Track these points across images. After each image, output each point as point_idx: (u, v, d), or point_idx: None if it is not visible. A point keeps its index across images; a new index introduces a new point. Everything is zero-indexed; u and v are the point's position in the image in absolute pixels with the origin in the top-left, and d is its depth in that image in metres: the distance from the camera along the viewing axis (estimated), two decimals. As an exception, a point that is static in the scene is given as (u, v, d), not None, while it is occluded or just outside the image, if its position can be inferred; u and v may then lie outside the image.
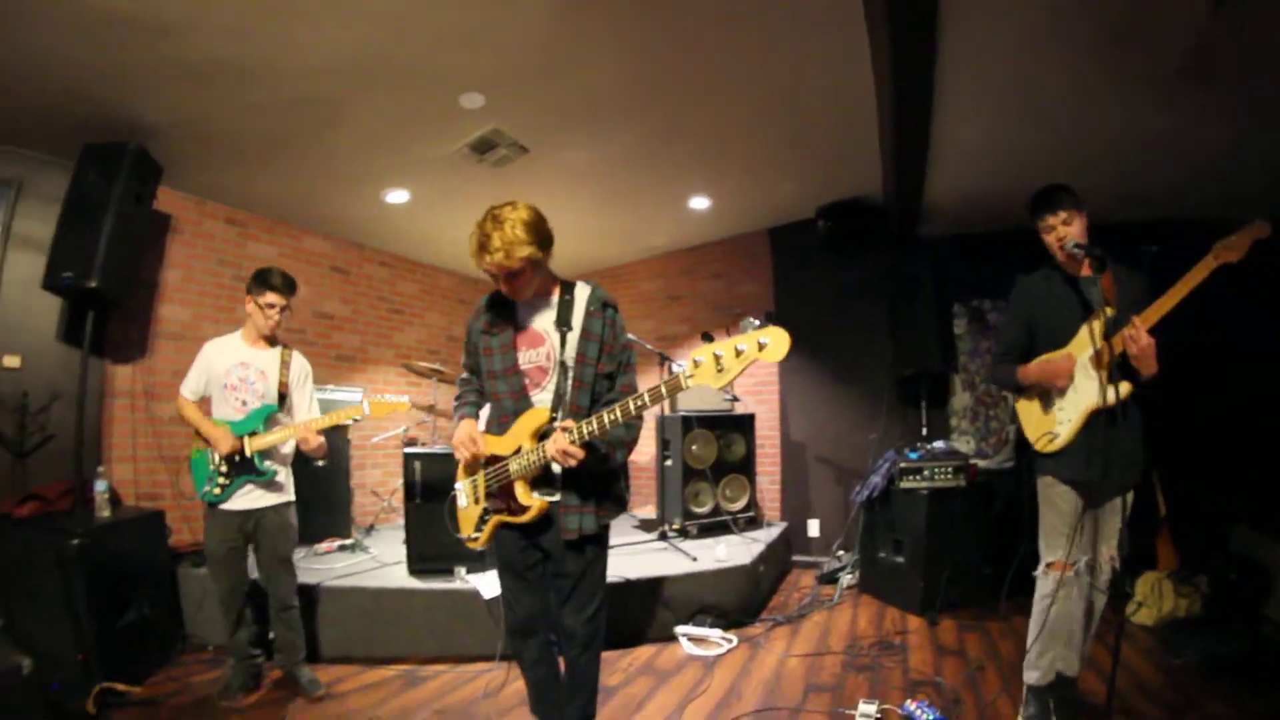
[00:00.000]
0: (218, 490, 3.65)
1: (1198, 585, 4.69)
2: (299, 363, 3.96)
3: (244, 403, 3.75)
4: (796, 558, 6.90)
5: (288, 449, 3.77)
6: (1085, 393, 3.02)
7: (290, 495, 3.83)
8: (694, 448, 6.23)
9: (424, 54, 3.93)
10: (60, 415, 4.72)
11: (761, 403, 7.20)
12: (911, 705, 3.42)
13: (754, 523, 6.52)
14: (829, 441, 6.89)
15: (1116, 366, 2.89)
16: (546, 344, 2.77)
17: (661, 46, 4.01)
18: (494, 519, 2.78)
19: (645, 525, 6.65)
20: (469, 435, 2.80)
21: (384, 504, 6.96)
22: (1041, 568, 3.21)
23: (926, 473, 5.33)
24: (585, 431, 2.50)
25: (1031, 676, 3.21)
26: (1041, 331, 3.28)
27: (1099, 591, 3.13)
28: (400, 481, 4.81)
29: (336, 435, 6.11)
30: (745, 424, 6.65)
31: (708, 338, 2.77)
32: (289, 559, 3.80)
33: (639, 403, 2.46)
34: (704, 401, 6.44)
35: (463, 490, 2.90)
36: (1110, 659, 3.40)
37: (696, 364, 2.26)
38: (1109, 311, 2.84)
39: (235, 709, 3.66)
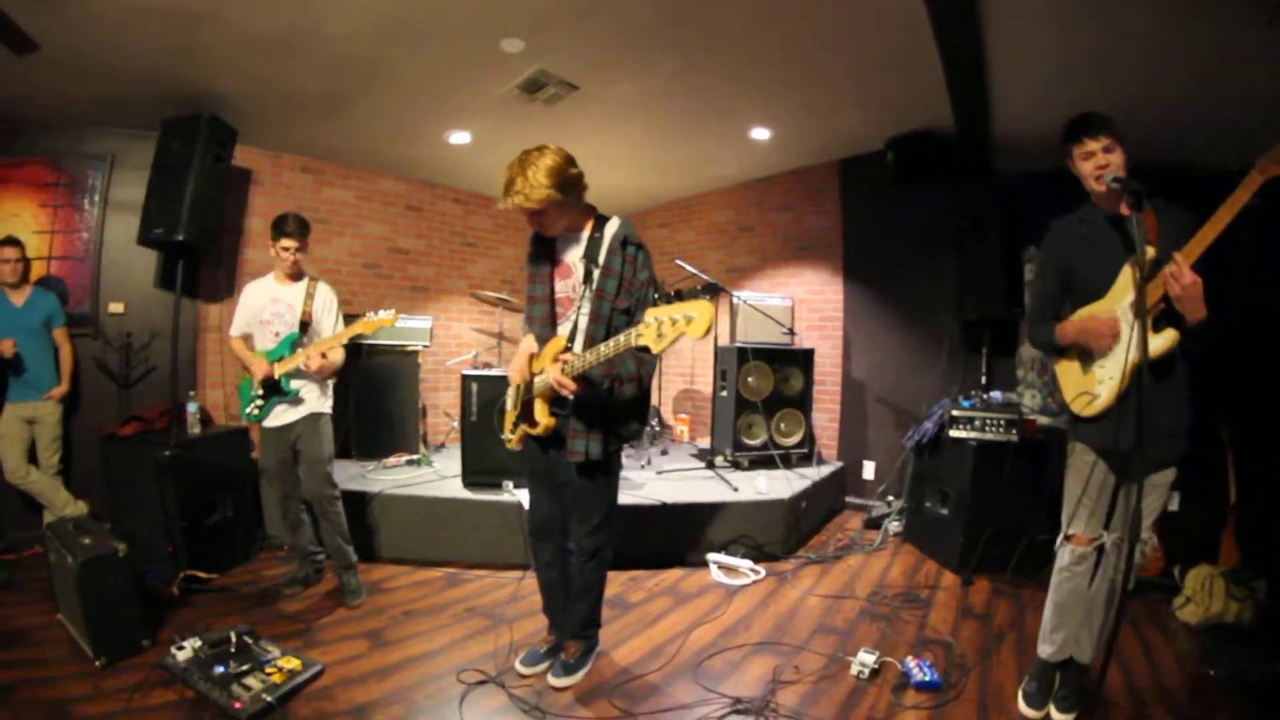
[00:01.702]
0: (255, 411, 4.16)
1: (1254, 591, 4.19)
2: (324, 293, 4.33)
3: (277, 334, 4.20)
4: (849, 499, 6.94)
5: (304, 370, 4.15)
6: (1131, 348, 2.68)
7: (319, 408, 4.23)
8: (749, 380, 6.32)
9: (459, 5, 4.08)
10: (159, 350, 5.65)
11: (825, 338, 7.19)
12: (911, 662, 3.42)
13: (808, 459, 6.58)
14: (890, 383, 6.82)
15: (1161, 314, 2.67)
16: (573, 276, 3.11)
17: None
18: (522, 427, 3.21)
19: (702, 454, 6.83)
20: (521, 354, 3.18)
21: (454, 424, 7.38)
22: (1060, 539, 3.10)
23: (978, 423, 5.06)
24: (577, 365, 2.79)
25: (1044, 650, 3.18)
26: (1078, 280, 3.02)
27: (1121, 573, 2.85)
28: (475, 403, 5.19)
29: (403, 360, 6.67)
30: (803, 359, 6.67)
31: (670, 298, 2.80)
32: (321, 462, 4.19)
33: (607, 348, 2.70)
34: (762, 333, 6.49)
35: (509, 397, 3.32)
36: (1139, 650, 3.48)
37: (647, 325, 2.47)
38: (1151, 252, 2.58)
39: (294, 598, 4.25)
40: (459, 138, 6.37)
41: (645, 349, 2.54)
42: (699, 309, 2.38)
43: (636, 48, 4.63)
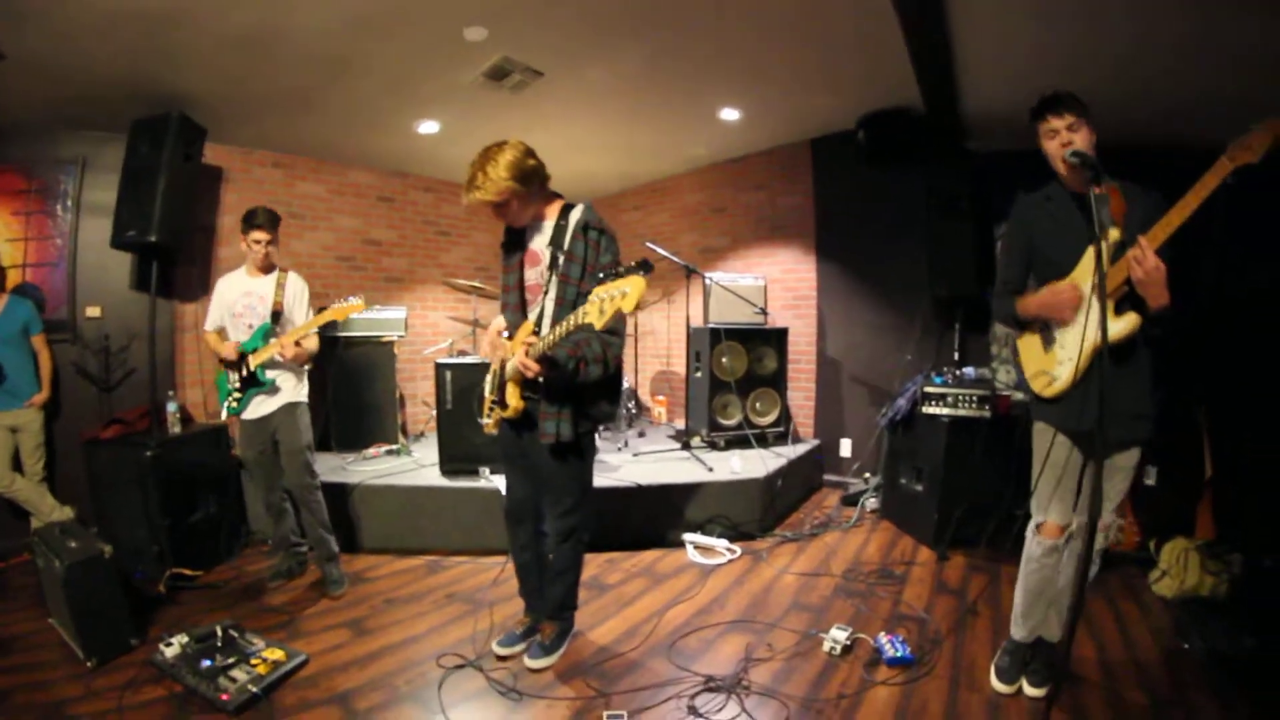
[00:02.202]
0: (234, 404, 4.28)
1: (1229, 564, 4.21)
2: (294, 283, 4.43)
3: (250, 325, 4.31)
4: (828, 476, 7.08)
5: (279, 359, 4.24)
6: (1090, 329, 2.65)
7: (295, 397, 4.35)
8: (723, 360, 6.44)
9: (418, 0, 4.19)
10: (138, 352, 5.72)
11: (799, 317, 7.30)
12: (884, 638, 3.51)
13: (784, 438, 6.73)
14: (864, 360, 6.94)
15: (1124, 298, 2.68)
16: (541, 263, 3.25)
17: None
18: (497, 411, 3.37)
19: (678, 436, 6.96)
20: (490, 339, 3.40)
21: (433, 413, 7.48)
22: (1031, 527, 3.13)
23: (950, 399, 5.14)
24: (539, 347, 2.98)
25: (1017, 633, 3.24)
26: (1042, 258, 3.04)
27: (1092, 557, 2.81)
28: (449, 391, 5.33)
29: (379, 350, 6.77)
30: (777, 338, 6.79)
31: (611, 275, 2.86)
32: (300, 451, 4.31)
33: (561, 329, 2.87)
34: (734, 314, 6.61)
35: (487, 382, 3.47)
36: (1114, 625, 3.58)
37: (591, 303, 2.63)
38: (1114, 234, 2.59)
39: (278, 590, 4.40)
40: (428, 127, 6.44)
41: (590, 326, 2.65)
42: (631, 284, 2.53)
43: (601, 33, 4.71)
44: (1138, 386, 2.81)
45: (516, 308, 3.32)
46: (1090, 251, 2.77)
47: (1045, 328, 3.00)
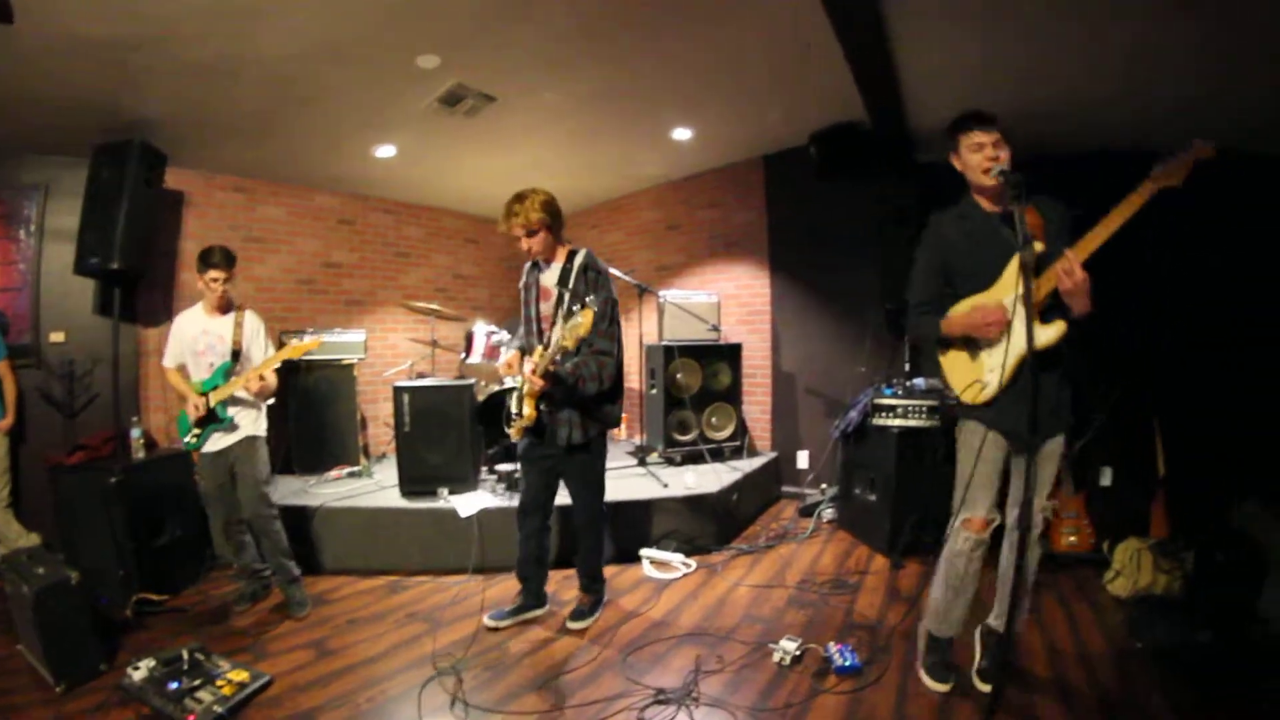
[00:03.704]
0: (193, 439, 4.42)
1: (1182, 561, 4.39)
2: (251, 321, 4.57)
3: (211, 364, 4.45)
4: (785, 488, 7.30)
5: (243, 394, 4.40)
6: (1016, 337, 2.81)
7: (254, 431, 4.50)
8: (678, 376, 6.66)
9: (373, 30, 4.37)
10: (103, 377, 5.85)
11: (754, 331, 7.52)
12: (834, 648, 3.64)
13: (740, 451, 6.93)
14: (819, 373, 7.15)
15: (1049, 306, 2.81)
16: (552, 298, 3.98)
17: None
18: (518, 422, 4.02)
19: (635, 452, 7.11)
20: (508, 361, 4.05)
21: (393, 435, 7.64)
22: (957, 522, 3.18)
23: (900, 410, 5.32)
24: (543, 366, 3.72)
25: (943, 631, 3.34)
26: (960, 275, 3.10)
27: (1031, 545, 3.02)
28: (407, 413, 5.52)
29: (339, 374, 6.93)
30: (731, 353, 6.98)
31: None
32: (258, 484, 4.45)
33: (550, 349, 3.71)
34: (688, 331, 6.82)
35: (513, 400, 4.11)
36: (1066, 625, 3.74)
37: (565, 335, 3.49)
38: (1038, 247, 2.71)
39: (244, 614, 4.54)
40: (385, 151, 6.63)
41: (564, 348, 3.58)
42: (584, 315, 3.41)
43: (553, 58, 4.94)
44: (1058, 382, 2.98)
45: (533, 334, 4.10)
46: (1012, 266, 2.90)
47: (970, 340, 3.08)
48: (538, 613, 4.34)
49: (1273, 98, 4.46)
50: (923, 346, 5.85)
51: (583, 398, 3.87)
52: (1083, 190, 3.11)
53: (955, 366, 3.19)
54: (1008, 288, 2.92)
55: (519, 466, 4.36)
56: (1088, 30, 4.13)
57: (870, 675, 3.52)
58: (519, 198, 3.86)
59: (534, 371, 3.74)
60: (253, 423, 4.49)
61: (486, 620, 4.19)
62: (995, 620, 3.34)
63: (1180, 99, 4.69)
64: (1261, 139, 4.81)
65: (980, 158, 2.95)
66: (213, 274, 4.37)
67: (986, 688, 3.18)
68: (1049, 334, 2.82)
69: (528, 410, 3.91)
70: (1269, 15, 3.67)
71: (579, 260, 3.97)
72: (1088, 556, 4.92)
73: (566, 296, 3.89)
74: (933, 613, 3.38)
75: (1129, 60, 4.40)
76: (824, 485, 6.80)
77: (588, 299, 3.52)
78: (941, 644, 3.40)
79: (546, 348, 3.82)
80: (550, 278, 4.02)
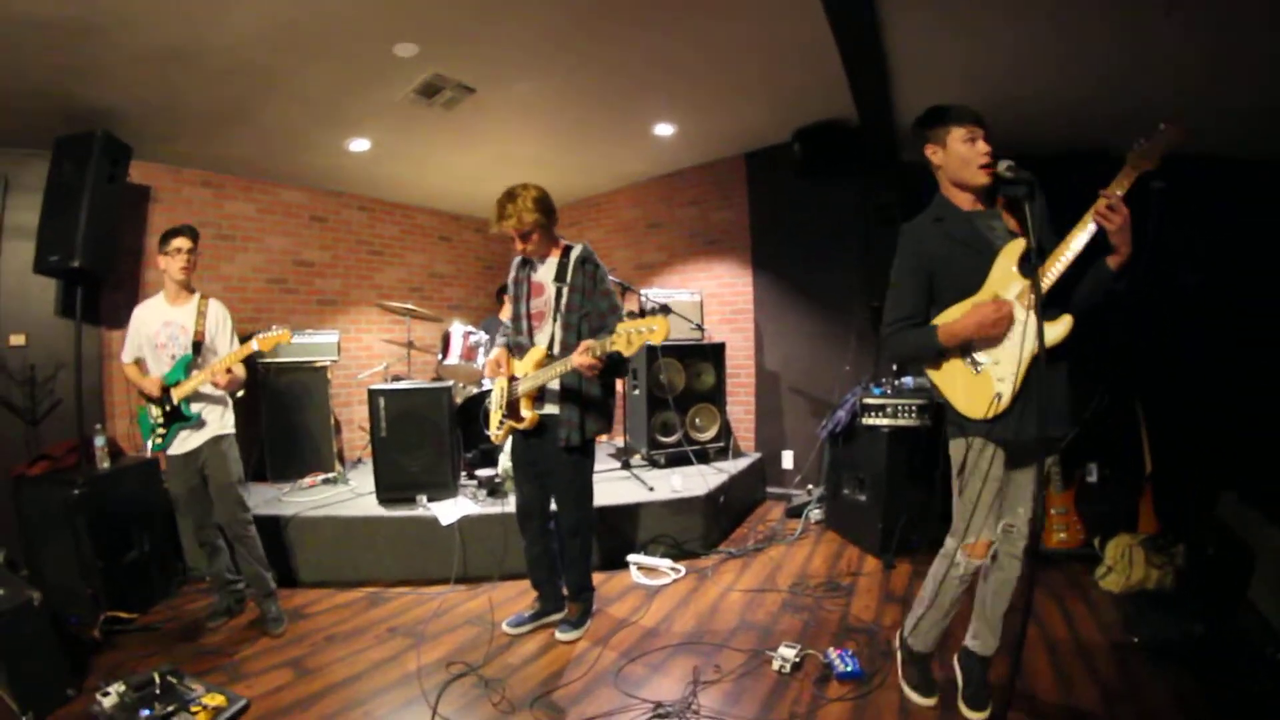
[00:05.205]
0: (158, 439, 4.25)
1: (1173, 556, 4.40)
2: (215, 310, 4.39)
3: (173, 357, 4.26)
4: (771, 489, 7.25)
5: (209, 389, 4.23)
6: (1018, 338, 2.69)
7: (222, 429, 4.32)
8: (660, 377, 6.54)
9: (349, 10, 4.21)
10: (66, 382, 5.56)
11: (737, 330, 7.48)
12: (833, 654, 3.56)
13: (725, 453, 6.86)
14: (803, 372, 7.12)
15: (1050, 302, 2.64)
16: (546, 293, 3.91)
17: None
18: (507, 424, 3.98)
19: (618, 454, 7.06)
20: (496, 360, 4.00)
21: (369, 440, 7.49)
22: (958, 549, 3.00)
23: (889, 410, 5.20)
24: (600, 350, 3.51)
25: (919, 644, 3.25)
26: (945, 283, 2.90)
27: (1014, 559, 2.95)
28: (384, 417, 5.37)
29: (312, 376, 6.73)
30: (714, 353, 6.89)
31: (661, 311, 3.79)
32: (230, 486, 4.30)
33: (598, 347, 3.52)
34: (671, 330, 6.67)
35: (493, 400, 4.09)
36: (1062, 622, 3.67)
37: (618, 335, 3.35)
38: (1022, 242, 2.64)
39: (218, 631, 4.37)
40: (358, 145, 6.46)
41: (619, 353, 3.41)
42: (658, 323, 3.27)
43: (534, 48, 4.83)
44: (1063, 385, 2.81)
45: (526, 331, 3.99)
46: (1003, 262, 2.77)
47: (965, 352, 2.87)
48: (557, 617, 4.24)
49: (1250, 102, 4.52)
50: (909, 365, 5.69)
51: (586, 396, 3.84)
52: (1070, 190, 2.98)
53: (955, 383, 2.93)
54: (998, 284, 2.79)
55: (500, 472, 4.28)
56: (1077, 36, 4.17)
57: (874, 680, 3.45)
58: (510, 196, 3.76)
59: (592, 353, 3.50)
60: (219, 419, 4.32)
61: (504, 626, 4.17)
62: (972, 642, 3.19)
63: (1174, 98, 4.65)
64: (1244, 143, 4.88)
65: (975, 151, 2.83)
66: (177, 241, 4.19)
67: (976, 715, 3.07)
68: (1057, 330, 2.68)
69: (528, 413, 3.88)
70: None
71: (576, 253, 3.90)
72: (1078, 553, 4.92)
73: (565, 291, 3.83)
74: (914, 630, 3.27)
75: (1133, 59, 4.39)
76: (810, 486, 6.76)
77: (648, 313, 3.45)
78: (924, 656, 3.31)
79: (551, 345, 3.85)
80: (545, 274, 3.94)
